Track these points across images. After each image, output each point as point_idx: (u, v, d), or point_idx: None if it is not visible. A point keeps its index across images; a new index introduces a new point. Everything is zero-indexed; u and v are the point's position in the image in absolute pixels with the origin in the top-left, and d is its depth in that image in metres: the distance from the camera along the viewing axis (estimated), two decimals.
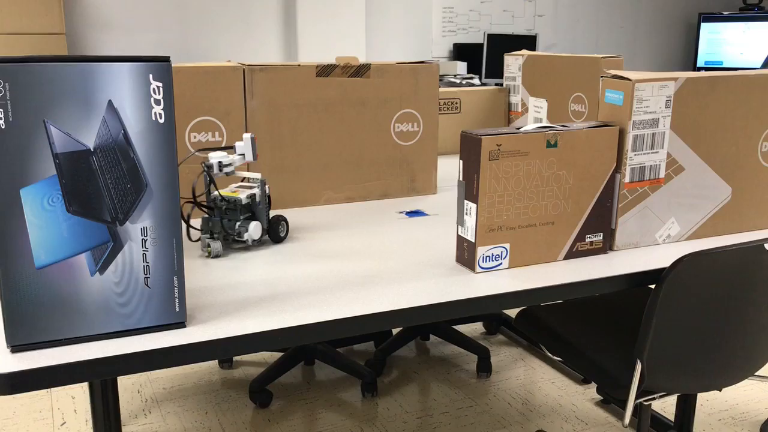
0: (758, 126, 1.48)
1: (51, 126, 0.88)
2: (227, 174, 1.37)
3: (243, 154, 1.40)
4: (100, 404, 2.07)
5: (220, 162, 1.35)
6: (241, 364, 2.66)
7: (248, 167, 1.62)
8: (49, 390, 2.45)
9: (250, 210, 1.39)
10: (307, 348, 2.54)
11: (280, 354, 2.57)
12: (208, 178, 1.35)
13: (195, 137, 1.56)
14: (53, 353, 0.92)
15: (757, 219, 1.53)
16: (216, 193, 1.35)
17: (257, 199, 1.38)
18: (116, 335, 0.97)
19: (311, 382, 2.54)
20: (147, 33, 4.26)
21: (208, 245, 1.32)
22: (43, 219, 0.91)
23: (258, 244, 1.41)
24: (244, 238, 1.35)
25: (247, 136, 1.38)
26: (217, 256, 1.32)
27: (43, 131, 0.88)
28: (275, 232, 1.39)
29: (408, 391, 2.48)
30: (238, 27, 4.47)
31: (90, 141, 0.90)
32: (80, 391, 2.45)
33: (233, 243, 1.40)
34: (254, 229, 1.35)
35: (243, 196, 1.36)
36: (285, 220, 1.41)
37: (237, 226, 1.35)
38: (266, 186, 1.40)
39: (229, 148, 1.43)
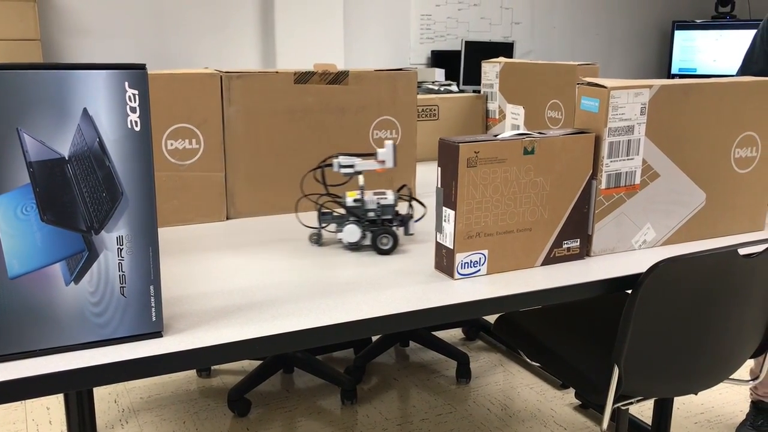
0: (731, 132, 1.50)
1: (24, 134, 0.87)
2: (345, 174, 1.45)
3: (384, 161, 1.46)
4: (76, 415, 2.05)
5: (339, 162, 1.44)
6: (220, 373, 2.64)
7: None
8: (23, 401, 2.41)
9: (354, 214, 1.43)
10: (285, 356, 2.53)
11: (259, 362, 2.55)
12: (322, 174, 1.54)
13: (172, 144, 1.55)
14: (27, 365, 0.91)
15: (731, 224, 1.55)
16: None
17: (368, 205, 1.43)
18: (91, 345, 0.96)
19: (290, 390, 2.53)
20: (124, 40, 4.23)
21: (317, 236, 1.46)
22: (17, 228, 0.89)
23: (355, 248, 1.43)
24: (338, 238, 1.44)
25: (389, 143, 1.44)
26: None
27: (16, 139, 0.87)
28: (375, 243, 1.41)
29: (388, 398, 2.47)
30: (216, 34, 4.46)
31: (64, 149, 0.89)
32: (55, 402, 2.41)
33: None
34: (348, 233, 1.41)
35: (350, 199, 1.43)
36: (391, 233, 1.41)
37: (337, 226, 1.44)
38: (396, 199, 1.45)
39: (370, 155, 1.48)
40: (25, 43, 3.62)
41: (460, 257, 1.25)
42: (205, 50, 4.44)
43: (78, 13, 4.11)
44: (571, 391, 2.54)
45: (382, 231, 1.40)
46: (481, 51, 5.03)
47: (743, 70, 2.10)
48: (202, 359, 0.98)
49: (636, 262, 1.37)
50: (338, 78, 1.69)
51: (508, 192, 1.27)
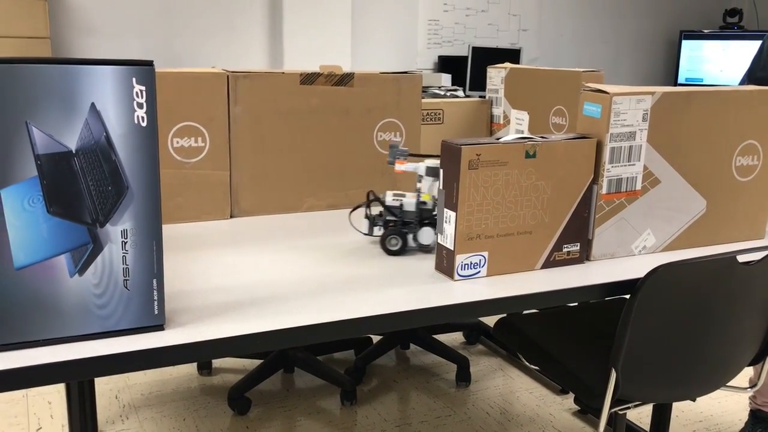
0: (732, 141, 1.51)
1: (33, 127, 0.89)
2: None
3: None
4: (77, 409, 2.06)
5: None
6: (220, 371, 2.65)
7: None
8: (25, 394, 2.42)
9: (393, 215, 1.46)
10: (286, 355, 2.54)
11: (260, 361, 2.56)
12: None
13: (178, 142, 1.57)
14: (30, 354, 0.92)
15: (731, 232, 1.56)
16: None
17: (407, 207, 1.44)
18: (94, 337, 0.97)
19: (290, 389, 2.54)
20: (132, 39, 4.25)
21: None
22: (23, 220, 0.91)
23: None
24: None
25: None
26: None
27: (24, 132, 0.88)
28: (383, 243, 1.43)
29: (387, 400, 2.48)
30: (224, 33, 4.48)
31: (72, 143, 0.91)
32: (57, 396, 2.43)
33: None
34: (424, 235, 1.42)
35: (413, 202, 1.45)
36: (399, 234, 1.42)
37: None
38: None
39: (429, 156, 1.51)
40: (35, 41, 3.65)
41: (460, 258, 1.26)
42: (212, 50, 4.46)
43: (88, 12, 4.14)
44: (571, 396, 2.55)
45: (391, 232, 1.41)
46: (488, 57, 5.04)
47: (749, 75, 2.11)
48: (202, 353, 0.99)
49: (635, 267, 1.38)
50: (344, 80, 1.70)
51: (509, 195, 1.28)
